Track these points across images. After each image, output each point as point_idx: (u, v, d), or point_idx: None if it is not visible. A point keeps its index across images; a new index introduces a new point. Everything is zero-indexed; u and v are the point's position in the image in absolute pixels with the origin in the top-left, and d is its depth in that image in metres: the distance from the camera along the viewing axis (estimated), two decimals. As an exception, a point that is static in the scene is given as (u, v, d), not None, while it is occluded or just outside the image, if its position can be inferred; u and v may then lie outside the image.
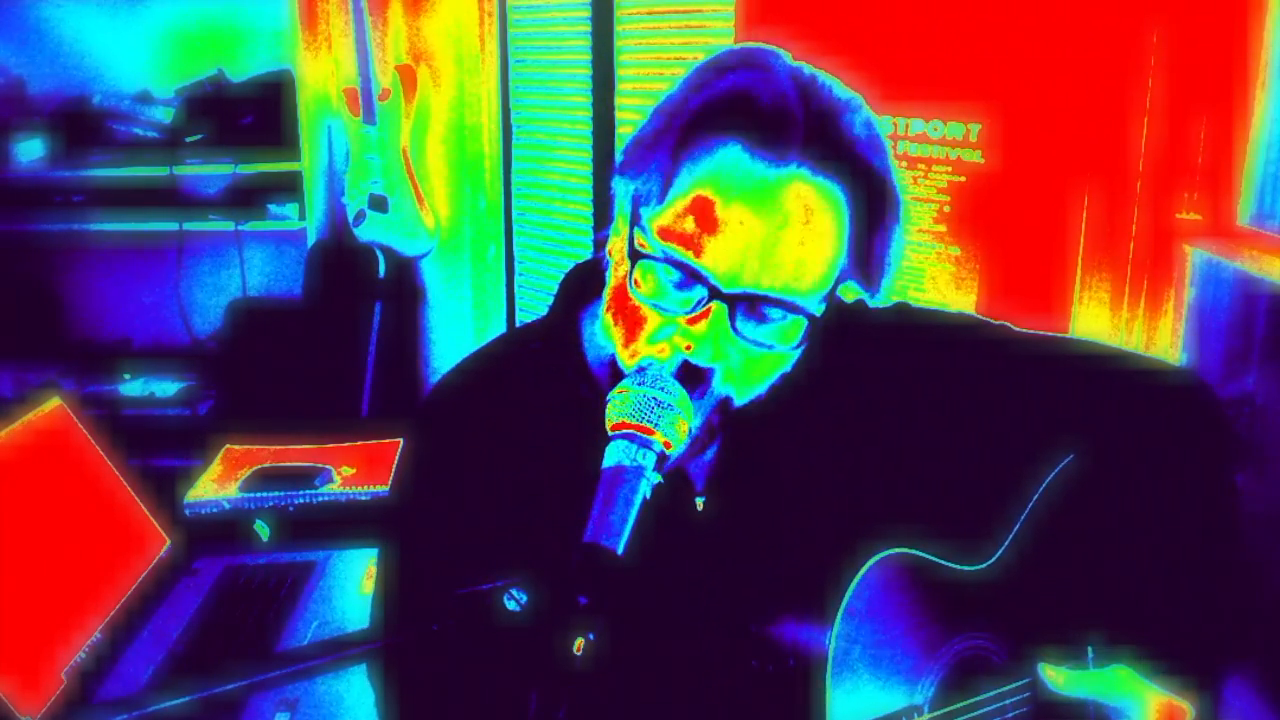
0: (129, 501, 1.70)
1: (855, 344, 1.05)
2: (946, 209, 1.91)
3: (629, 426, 0.84)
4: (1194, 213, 1.68)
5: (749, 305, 0.88)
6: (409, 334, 3.48)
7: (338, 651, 0.79)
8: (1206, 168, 1.66)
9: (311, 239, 3.35)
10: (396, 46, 3.28)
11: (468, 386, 1.07)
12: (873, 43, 1.95)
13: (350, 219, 3.22)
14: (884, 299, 0.96)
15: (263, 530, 1.86)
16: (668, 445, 0.85)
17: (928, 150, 1.91)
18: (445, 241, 3.35)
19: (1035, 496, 1.01)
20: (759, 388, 0.94)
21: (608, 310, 0.96)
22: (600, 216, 2.99)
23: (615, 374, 0.94)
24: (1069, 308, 1.82)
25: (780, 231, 0.86)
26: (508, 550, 0.89)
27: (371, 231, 3.21)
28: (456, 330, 3.50)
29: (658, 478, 0.84)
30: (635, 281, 0.90)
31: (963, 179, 1.88)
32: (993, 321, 1.10)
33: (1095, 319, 1.80)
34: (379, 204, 3.18)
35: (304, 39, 3.29)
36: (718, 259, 0.87)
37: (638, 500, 0.80)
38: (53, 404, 1.62)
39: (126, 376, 3.44)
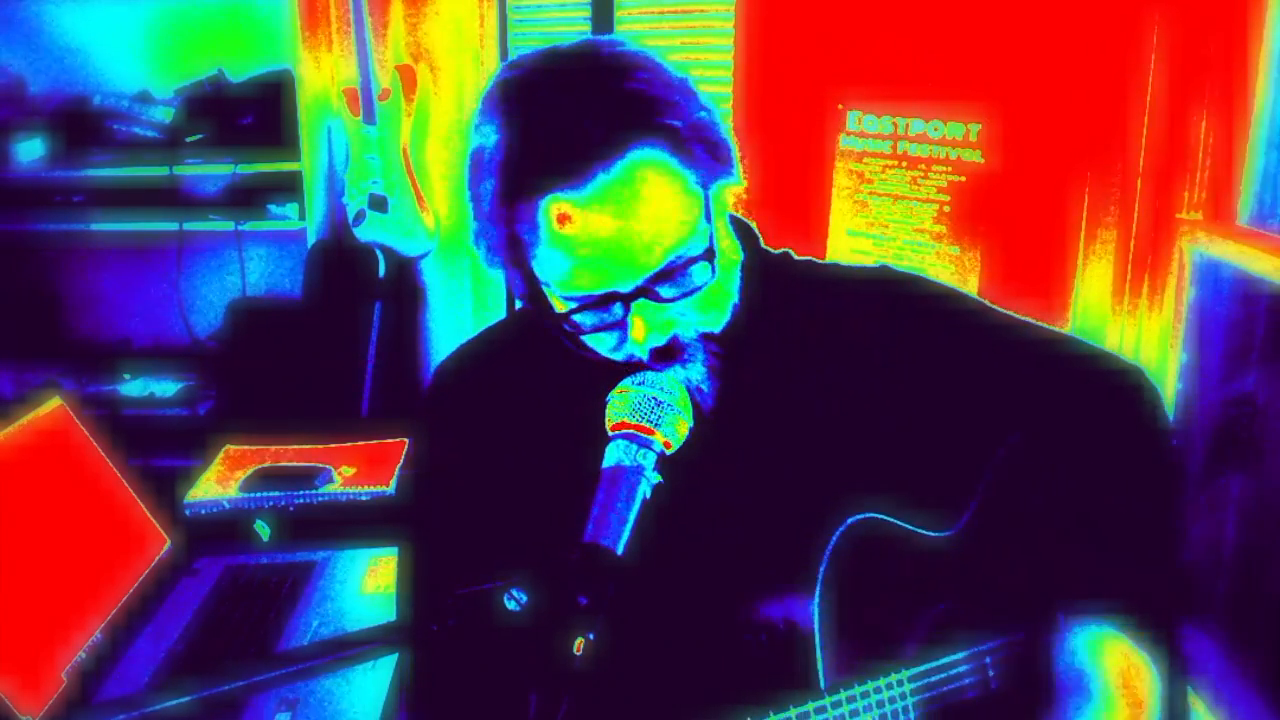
0: (129, 501, 1.70)
1: (797, 295, 1.07)
2: (946, 209, 1.91)
3: (629, 426, 0.85)
4: (1194, 212, 1.68)
5: (653, 284, 0.91)
6: (409, 334, 3.47)
7: (338, 651, 0.79)
8: (1207, 167, 1.66)
9: (311, 239, 3.35)
10: (396, 46, 3.28)
11: (467, 369, 1.10)
12: (873, 43, 1.95)
13: (350, 219, 3.21)
14: (738, 179, 0.98)
15: (263, 530, 1.86)
16: (667, 445, 0.85)
17: (928, 150, 1.91)
18: (445, 241, 3.34)
19: (988, 471, 1.03)
20: (720, 314, 0.98)
21: None
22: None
23: None
24: (1068, 307, 1.82)
25: (624, 220, 0.89)
26: (532, 528, 0.90)
27: (371, 231, 3.20)
28: (456, 330, 3.50)
29: (658, 477, 0.84)
30: (574, 330, 0.95)
31: (963, 179, 1.88)
32: (971, 296, 1.15)
33: (1095, 318, 1.80)
34: (379, 204, 3.17)
35: (304, 39, 3.29)
36: (602, 275, 0.90)
37: (637, 500, 0.81)
38: (53, 404, 1.62)
39: (126, 376, 3.43)
